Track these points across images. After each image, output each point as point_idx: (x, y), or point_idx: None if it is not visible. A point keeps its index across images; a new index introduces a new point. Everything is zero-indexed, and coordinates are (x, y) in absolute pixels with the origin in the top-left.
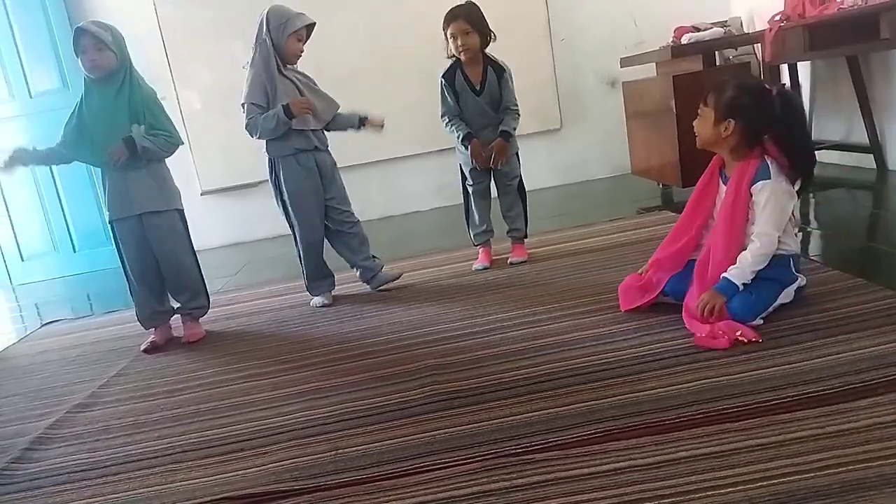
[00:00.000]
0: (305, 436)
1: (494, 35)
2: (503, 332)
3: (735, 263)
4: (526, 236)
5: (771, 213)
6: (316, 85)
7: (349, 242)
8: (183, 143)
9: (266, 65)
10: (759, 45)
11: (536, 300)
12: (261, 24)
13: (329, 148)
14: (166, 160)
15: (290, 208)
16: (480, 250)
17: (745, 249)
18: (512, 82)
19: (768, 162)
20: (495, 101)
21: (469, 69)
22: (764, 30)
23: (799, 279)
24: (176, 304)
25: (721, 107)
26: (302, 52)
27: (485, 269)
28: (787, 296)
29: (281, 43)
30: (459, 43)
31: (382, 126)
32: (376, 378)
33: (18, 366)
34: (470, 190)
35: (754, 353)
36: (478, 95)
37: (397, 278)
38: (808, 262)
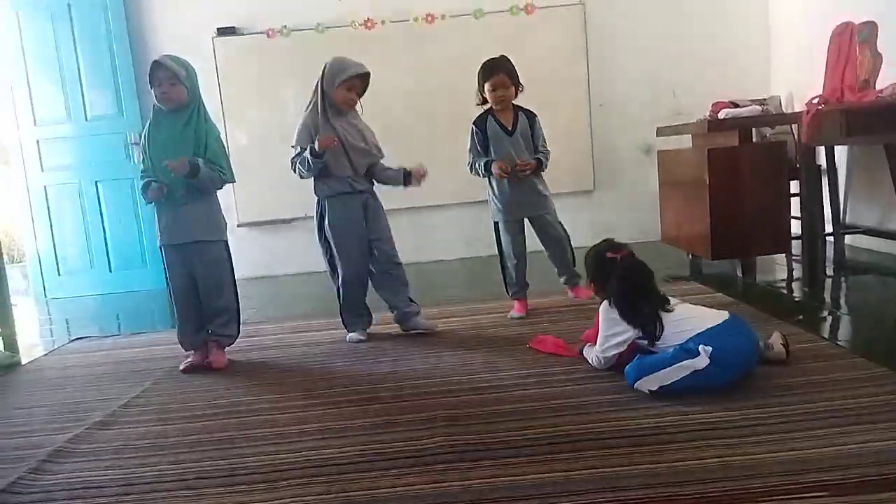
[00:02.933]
0: (316, 475)
1: (523, 86)
2: (521, 389)
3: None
4: (580, 279)
5: (598, 338)
6: (364, 133)
7: (391, 284)
8: (234, 182)
9: (315, 111)
10: (796, 125)
11: (558, 359)
12: (321, 73)
13: (375, 191)
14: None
15: (333, 247)
16: (516, 302)
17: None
18: (542, 128)
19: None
20: (527, 140)
21: (501, 115)
22: (802, 111)
23: (693, 360)
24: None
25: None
26: (353, 101)
27: (520, 318)
28: (681, 370)
29: (330, 91)
30: (498, 94)
31: (424, 176)
32: (390, 423)
33: (44, 378)
34: (505, 248)
35: (774, 434)
36: (510, 135)
37: (430, 330)
38: (835, 347)
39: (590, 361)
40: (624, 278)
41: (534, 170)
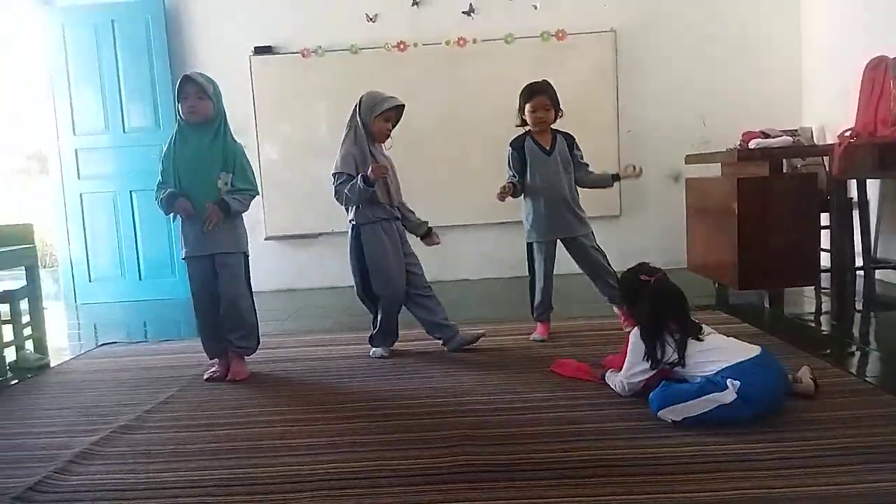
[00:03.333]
0: (333, 487)
1: (562, 112)
2: (542, 412)
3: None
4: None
5: (625, 363)
6: (394, 169)
7: (427, 304)
8: (259, 193)
9: (357, 141)
10: (828, 157)
11: (578, 384)
12: (355, 106)
13: None
14: None
15: (371, 273)
16: (539, 324)
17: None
18: (580, 150)
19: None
20: (565, 160)
21: (539, 137)
22: (834, 143)
23: (721, 394)
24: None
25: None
26: (389, 132)
27: (541, 341)
28: (707, 403)
29: (368, 123)
30: (538, 116)
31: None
32: (409, 440)
33: (72, 381)
34: (537, 269)
35: (797, 469)
36: (548, 155)
37: (475, 340)
38: (863, 383)
39: (612, 387)
40: (653, 301)
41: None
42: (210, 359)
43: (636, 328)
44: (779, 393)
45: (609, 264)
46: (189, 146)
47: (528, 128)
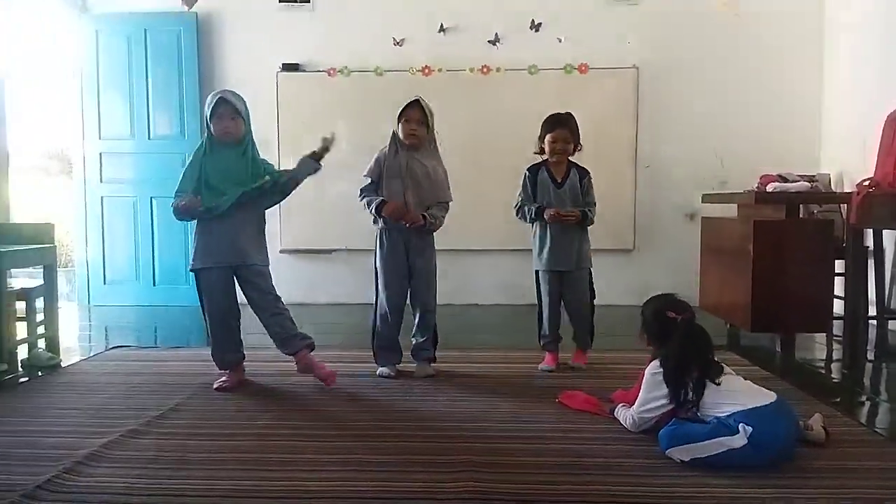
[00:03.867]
0: None
1: (581, 146)
2: (547, 443)
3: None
4: (589, 347)
5: (639, 398)
6: (431, 173)
7: (418, 323)
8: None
9: (385, 148)
10: (845, 205)
11: (586, 417)
12: None
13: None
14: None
15: (376, 276)
16: (547, 353)
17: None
18: (592, 185)
19: (659, 360)
20: (575, 194)
21: (554, 168)
22: (851, 192)
23: (731, 438)
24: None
25: (641, 317)
26: (414, 132)
27: (550, 371)
28: (717, 446)
29: (397, 131)
30: (557, 147)
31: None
32: (414, 462)
33: (83, 382)
34: (542, 298)
35: None
36: (558, 188)
37: (428, 375)
38: (872, 434)
39: (622, 422)
40: (683, 343)
41: (578, 220)
42: (221, 369)
43: (654, 361)
44: (790, 441)
45: (592, 312)
46: (220, 162)
47: (545, 156)
